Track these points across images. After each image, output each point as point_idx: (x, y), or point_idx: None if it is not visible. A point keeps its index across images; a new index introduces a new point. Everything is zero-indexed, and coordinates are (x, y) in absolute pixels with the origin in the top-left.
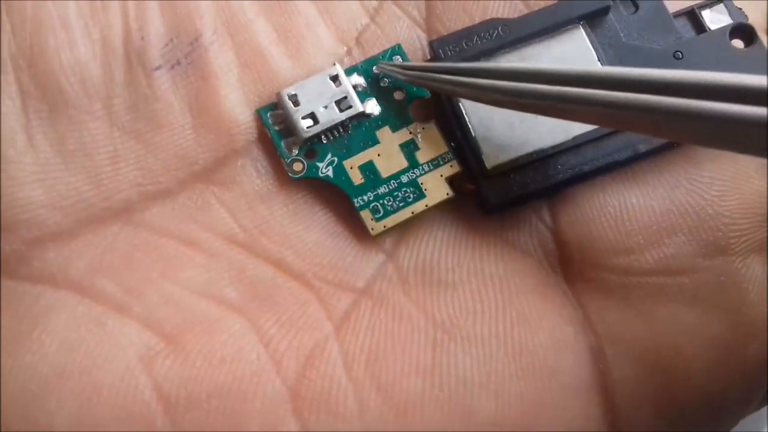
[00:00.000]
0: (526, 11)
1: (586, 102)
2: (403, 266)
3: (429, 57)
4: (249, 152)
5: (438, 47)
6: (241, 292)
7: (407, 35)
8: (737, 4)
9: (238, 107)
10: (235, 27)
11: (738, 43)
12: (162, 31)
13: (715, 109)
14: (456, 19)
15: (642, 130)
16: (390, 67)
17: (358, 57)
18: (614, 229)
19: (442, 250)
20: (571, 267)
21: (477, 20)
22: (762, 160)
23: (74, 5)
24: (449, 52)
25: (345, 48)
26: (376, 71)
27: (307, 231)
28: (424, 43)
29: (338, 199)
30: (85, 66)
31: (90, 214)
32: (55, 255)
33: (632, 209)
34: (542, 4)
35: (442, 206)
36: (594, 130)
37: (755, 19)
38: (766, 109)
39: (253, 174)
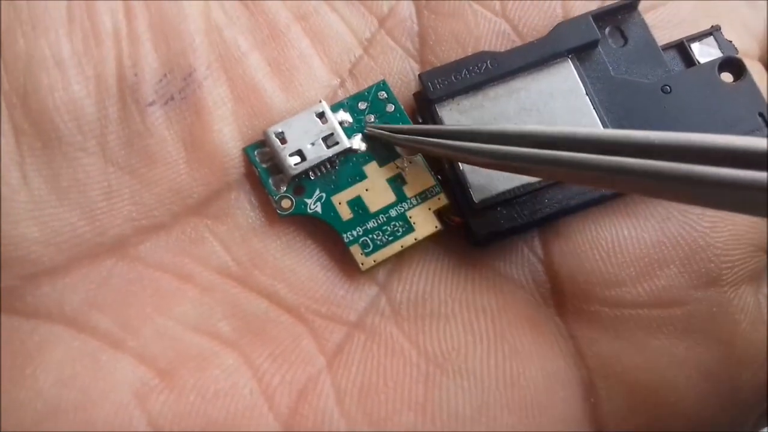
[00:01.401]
0: (519, 43)
1: (581, 167)
2: (395, 299)
3: (418, 89)
4: (242, 185)
5: (427, 80)
6: (234, 326)
7: (400, 67)
8: (730, 33)
9: (231, 141)
10: (229, 61)
11: (727, 77)
12: (155, 66)
13: (715, 175)
14: (449, 50)
15: (639, 192)
16: (380, 131)
17: (352, 88)
18: (606, 261)
19: (434, 283)
20: (563, 299)
21: (470, 52)
22: None
23: (67, 42)
24: (438, 85)
25: (338, 80)
26: (366, 133)
27: (300, 264)
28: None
29: (330, 233)
30: (78, 103)
31: (84, 249)
32: (50, 290)
33: (624, 241)
34: (536, 36)
35: (433, 238)
36: None
37: (748, 46)
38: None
39: (246, 207)
